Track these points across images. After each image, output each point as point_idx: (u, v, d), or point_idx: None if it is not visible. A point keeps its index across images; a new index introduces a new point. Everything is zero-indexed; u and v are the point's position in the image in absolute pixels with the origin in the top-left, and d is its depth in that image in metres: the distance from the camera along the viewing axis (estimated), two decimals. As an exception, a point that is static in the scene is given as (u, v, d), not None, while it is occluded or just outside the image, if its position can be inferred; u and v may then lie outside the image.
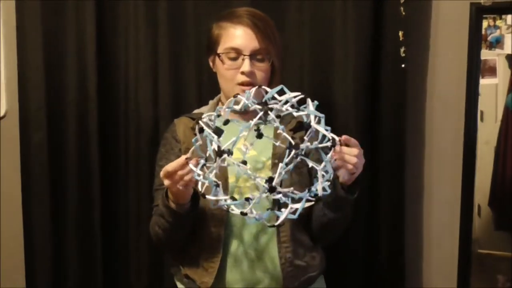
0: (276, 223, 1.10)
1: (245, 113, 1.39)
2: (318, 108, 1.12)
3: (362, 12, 1.60)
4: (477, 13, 1.58)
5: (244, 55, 1.31)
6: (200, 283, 1.31)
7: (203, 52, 1.69)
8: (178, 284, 1.41)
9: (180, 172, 1.15)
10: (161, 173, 1.17)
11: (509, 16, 1.58)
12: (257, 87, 1.15)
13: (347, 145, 1.16)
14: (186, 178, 1.15)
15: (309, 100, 1.12)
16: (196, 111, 1.46)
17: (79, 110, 1.73)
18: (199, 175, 1.11)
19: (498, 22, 1.59)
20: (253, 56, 1.32)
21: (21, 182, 1.75)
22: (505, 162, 1.61)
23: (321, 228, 1.35)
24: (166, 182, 1.16)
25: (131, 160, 1.75)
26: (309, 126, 1.09)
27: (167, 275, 1.66)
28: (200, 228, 1.31)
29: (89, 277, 1.76)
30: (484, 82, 1.60)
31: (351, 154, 1.16)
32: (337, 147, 1.13)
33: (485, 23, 1.59)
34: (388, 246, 1.67)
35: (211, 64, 1.42)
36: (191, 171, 1.13)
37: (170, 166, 1.15)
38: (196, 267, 1.32)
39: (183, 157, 1.14)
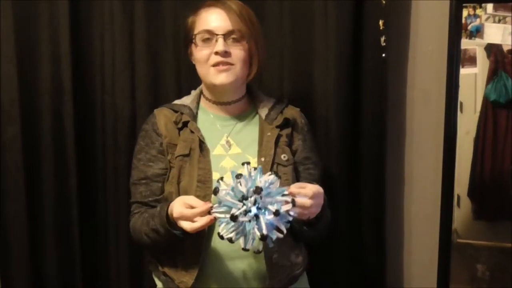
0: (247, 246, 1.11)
1: (228, 104, 1.37)
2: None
3: (343, 1, 1.57)
4: (457, 2, 1.57)
5: (217, 35, 1.29)
6: (179, 283, 1.29)
7: (181, 42, 1.66)
8: (156, 280, 1.39)
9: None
10: (176, 216, 1.18)
11: (489, 5, 1.58)
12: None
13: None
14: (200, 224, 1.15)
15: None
16: (177, 101, 1.43)
17: (54, 103, 1.68)
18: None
19: (478, 11, 1.59)
20: (227, 36, 1.30)
21: (-6, 179, 1.70)
22: (484, 152, 1.62)
23: (300, 238, 1.36)
24: (185, 225, 1.16)
25: (108, 153, 1.71)
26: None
27: (146, 272, 1.65)
28: None
29: (68, 276, 1.72)
30: (464, 71, 1.60)
31: (306, 206, 1.15)
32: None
33: (465, 12, 1.59)
34: (369, 236, 1.67)
35: (190, 56, 1.39)
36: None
37: (188, 211, 1.16)
38: (176, 266, 1.30)
39: (205, 205, 1.15)
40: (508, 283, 1.60)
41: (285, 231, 1.11)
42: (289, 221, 1.12)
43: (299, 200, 1.13)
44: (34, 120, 1.69)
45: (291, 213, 1.11)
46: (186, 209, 1.16)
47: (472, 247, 1.65)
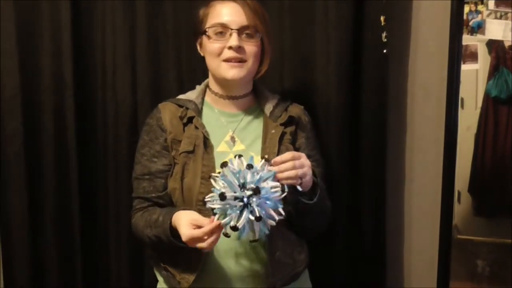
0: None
1: (235, 99, 1.37)
2: None
3: (344, -3, 1.57)
4: (459, -2, 1.57)
5: (232, 29, 1.28)
6: (180, 279, 1.28)
7: (182, 37, 1.67)
8: (157, 275, 1.40)
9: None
10: (186, 240, 1.17)
11: (490, 1, 1.57)
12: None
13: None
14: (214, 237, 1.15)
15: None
16: (181, 96, 1.42)
17: (55, 98, 1.68)
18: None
19: (480, 7, 1.58)
20: (241, 31, 1.29)
21: (-5, 173, 1.70)
22: (484, 148, 1.62)
23: (301, 230, 1.35)
24: (201, 245, 1.16)
25: (109, 148, 1.71)
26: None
27: (146, 269, 1.65)
28: None
29: (68, 270, 1.73)
30: (465, 67, 1.59)
31: (288, 168, 1.15)
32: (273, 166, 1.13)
33: (466, 8, 1.58)
34: (369, 232, 1.67)
35: (198, 48, 1.39)
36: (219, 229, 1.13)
37: (198, 232, 1.15)
38: (177, 262, 1.30)
39: (212, 223, 1.13)
40: (508, 279, 1.60)
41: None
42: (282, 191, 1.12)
43: (281, 165, 1.13)
44: (35, 115, 1.69)
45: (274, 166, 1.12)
46: (194, 231, 1.16)
47: (472, 243, 1.65)
